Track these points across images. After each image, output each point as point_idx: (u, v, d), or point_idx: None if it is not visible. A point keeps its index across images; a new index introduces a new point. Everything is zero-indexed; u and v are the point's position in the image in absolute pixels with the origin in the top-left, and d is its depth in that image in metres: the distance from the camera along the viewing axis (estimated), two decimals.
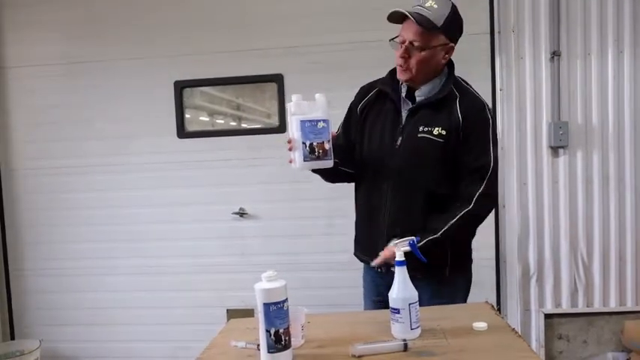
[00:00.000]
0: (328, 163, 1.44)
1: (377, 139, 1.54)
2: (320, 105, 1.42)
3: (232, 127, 3.09)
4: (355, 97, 1.65)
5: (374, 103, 1.58)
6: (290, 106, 1.44)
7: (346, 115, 1.66)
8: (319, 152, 1.36)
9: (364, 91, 1.63)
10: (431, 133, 1.44)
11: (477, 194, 1.38)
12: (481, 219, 1.42)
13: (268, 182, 2.94)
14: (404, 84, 1.52)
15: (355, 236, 1.62)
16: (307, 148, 1.37)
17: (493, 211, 2.24)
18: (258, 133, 2.97)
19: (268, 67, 2.88)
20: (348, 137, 1.62)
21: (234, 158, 2.96)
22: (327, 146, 1.38)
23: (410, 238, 1.32)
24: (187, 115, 3.01)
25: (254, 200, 2.97)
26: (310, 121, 1.38)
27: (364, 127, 1.57)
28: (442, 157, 1.45)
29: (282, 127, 2.91)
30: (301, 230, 2.93)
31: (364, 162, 1.57)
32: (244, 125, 3.09)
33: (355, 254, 1.64)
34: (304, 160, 1.38)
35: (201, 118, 3.09)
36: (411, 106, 1.52)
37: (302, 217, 2.91)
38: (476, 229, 1.48)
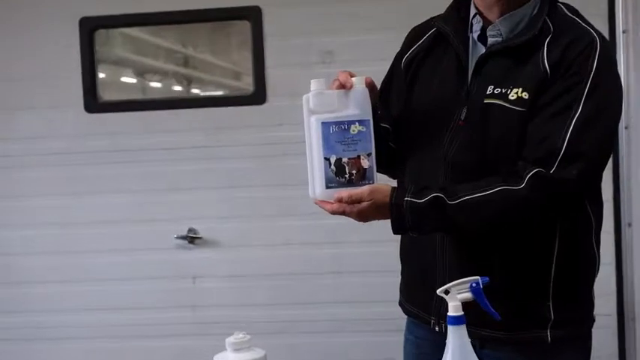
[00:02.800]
0: None
1: (428, 113, 1.51)
2: (356, 96, 1.38)
3: (177, 96, 3.00)
4: (401, 46, 1.63)
5: (427, 53, 1.54)
6: (307, 100, 1.40)
7: (386, 76, 1.65)
8: (352, 173, 1.35)
9: (414, 35, 1.60)
10: (504, 97, 1.40)
11: (533, 174, 1.32)
12: (532, 210, 1.36)
13: (236, 187, 2.85)
14: (477, 18, 1.47)
15: (401, 271, 1.65)
16: (332, 166, 1.35)
17: (609, 239, 2.08)
18: (221, 105, 2.88)
19: None
20: (388, 113, 1.60)
21: (179, 147, 2.86)
22: (365, 163, 1.37)
23: (472, 279, 1.28)
24: (102, 75, 2.95)
25: (212, 217, 2.87)
26: (338, 123, 1.36)
27: (411, 93, 1.55)
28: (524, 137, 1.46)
29: (259, 96, 2.81)
30: (289, 265, 2.85)
31: (408, 154, 1.55)
32: (197, 92, 3.02)
33: (400, 303, 1.64)
34: (327, 187, 1.36)
35: (124, 79, 3.04)
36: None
37: (290, 244, 2.83)
38: (518, 231, 1.40)
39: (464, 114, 1.44)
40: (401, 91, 1.59)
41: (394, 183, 1.62)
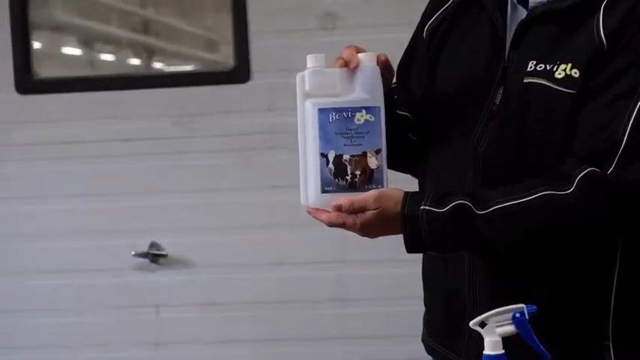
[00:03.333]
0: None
1: (455, 96, 1.52)
2: (364, 77, 1.40)
3: (135, 72, 2.97)
4: (424, 10, 1.62)
5: (454, 20, 1.54)
6: (301, 79, 1.41)
7: (407, 49, 1.65)
8: (355, 175, 1.37)
9: None
10: (549, 75, 1.40)
11: (585, 174, 1.32)
12: (584, 221, 1.35)
13: (212, 189, 2.82)
14: None
15: (424, 297, 1.63)
16: (330, 165, 1.38)
17: None
18: (192, 84, 2.85)
19: None
20: (408, 98, 1.60)
21: (138, 138, 2.82)
22: (372, 162, 1.39)
23: (515, 307, 1.29)
24: (37, 45, 2.92)
25: (181, 228, 2.84)
26: (340, 110, 1.38)
27: (434, 70, 1.55)
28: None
29: (242, 72, 2.77)
30: (281, 291, 2.81)
31: (430, 148, 1.55)
32: (160, 67, 3.02)
33: (423, 339, 1.63)
34: (323, 191, 1.38)
35: (66, 50, 3.03)
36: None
37: (282, 264, 2.80)
38: (570, 245, 1.40)
39: (499, 97, 1.44)
40: (423, 69, 1.59)
41: (412, 187, 1.56)
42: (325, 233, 2.66)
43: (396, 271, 2.52)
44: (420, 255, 1.57)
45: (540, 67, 1.41)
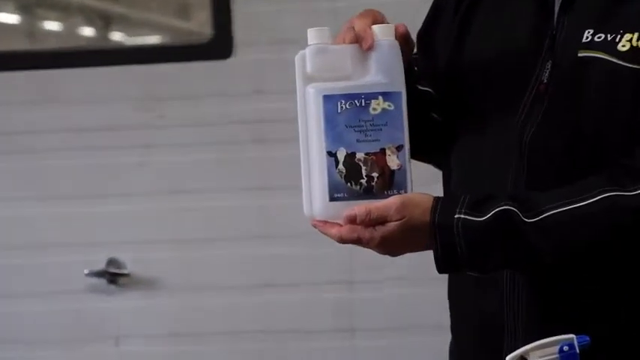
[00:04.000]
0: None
1: (491, 72, 1.54)
2: (381, 55, 1.42)
3: (88, 46, 3.09)
4: None
5: None
6: (301, 59, 1.41)
7: (429, 13, 1.68)
8: (371, 178, 1.40)
9: None
10: (611, 47, 1.43)
11: None
12: None
13: (185, 192, 2.92)
14: None
15: (450, 325, 1.63)
16: (341, 166, 1.40)
17: None
18: (160, 60, 2.96)
19: None
20: (431, 70, 1.62)
21: (92, 128, 2.91)
22: (392, 162, 1.41)
23: (563, 338, 1.30)
24: None
25: (146, 241, 2.94)
26: (351, 96, 1.40)
27: (463, 39, 1.58)
28: None
29: (222, 45, 2.87)
30: (272, 319, 2.91)
31: (458, 133, 1.58)
32: (120, 39, 3.06)
33: None
34: (332, 199, 1.39)
35: (1, 18, 3.08)
36: None
37: (273, 285, 2.91)
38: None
39: (546, 73, 1.47)
40: (450, 37, 1.62)
41: (438, 191, 1.55)
42: (327, 247, 2.73)
43: (414, 293, 2.60)
44: (444, 275, 1.53)
45: (599, 37, 1.43)
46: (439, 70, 1.62)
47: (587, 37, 1.43)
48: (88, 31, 3.13)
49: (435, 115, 1.62)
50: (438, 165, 1.67)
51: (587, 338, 1.29)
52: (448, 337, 1.66)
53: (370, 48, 1.41)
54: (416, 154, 1.55)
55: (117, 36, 3.13)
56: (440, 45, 1.63)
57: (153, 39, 3.10)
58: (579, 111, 1.44)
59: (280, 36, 2.76)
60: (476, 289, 1.53)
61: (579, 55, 1.44)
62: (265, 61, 2.79)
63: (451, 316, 1.62)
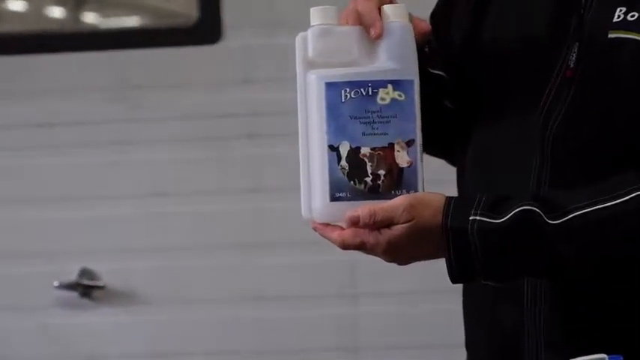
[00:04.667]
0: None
1: (511, 55, 1.57)
2: (391, 38, 1.44)
3: (58, 29, 3.11)
4: None
5: None
6: (302, 42, 1.42)
7: None
8: (377, 176, 1.41)
9: None
10: None
11: None
12: None
13: (168, 194, 2.97)
14: None
15: (465, 342, 1.65)
16: (344, 162, 1.42)
17: None
18: (140, 45, 3.01)
19: None
20: (444, 51, 1.64)
21: (62, 122, 2.97)
22: (402, 159, 1.43)
23: (594, 358, 1.31)
24: None
25: (123, 249, 2.97)
26: (357, 84, 1.43)
27: (480, 18, 1.60)
28: None
29: (209, 28, 2.92)
30: (264, 336, 2.95)
31: (474, 123, 1.60)
32: (94, 20, 3.03)
33: None
34: (333, 198, 1.41)
35: None
36: None
37: (264, 299, 2.95)
38: None
39: (573, 56, 1.49)
40: (465, 16, 1.64)
41: (450, 191, 1.56)
42: (328, 256, 2.78)
43: (424, 308, 2.63)
44: (458, 287, 1.53)
45: (632, 15, 1.44)
46: (453, 53, 1.64)
47: (619, 16, 1.45)
48: (56, 12, 3.14)
49: (448, 103, 1.64)
50: (450, 160, 1.69)
51: (621, 358, 1.32)
52: (461, 356, 1.68)
53: (379, 37, 1.43)
54: (425, 147, 1.56)
55: (90, 17, 3.14)
56: (455, 26, 1.65)
57: (131, 21, 3.12)
58: (610, 99, 1.46)
59: (273, 19, 2.77)
60: (494, 300, 1.54)
61: (610, 36, 1.45)
62: (257, 46, 2.82)
63: (466, 330, 1.63)
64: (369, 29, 1.42)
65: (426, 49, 1.53)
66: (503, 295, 1.52)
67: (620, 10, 1.45)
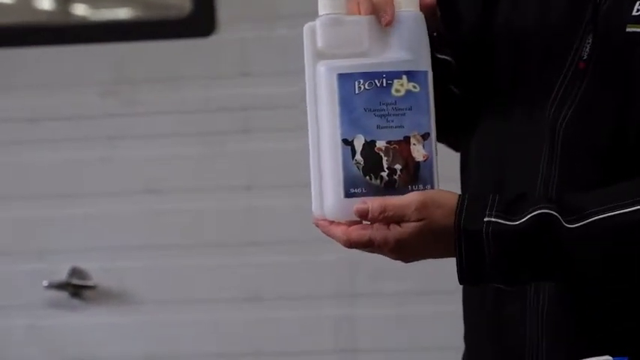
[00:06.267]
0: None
1: (522, 45, 1.57)
2: (404, 28, 1.44)
3: (47, 21, 3.10)
4: None
5: None
6: (310, 32, 1.42)
7: None
8: (394, 170, 1.40)
9: None
10: None
11: None
12: None
13: (161, 192, 2.96)
14: None
15: (465, 348, 1.66)
16: (358, 156, 1.41)
17: None
18: (132, 38, 3.00)
19: None
20: (452, 35, 1.64)
21: (51, 117, 2.97)
22: (418, 153, 1.42)
23: (602, 359, 1.36)
24: None
25: (115, 247, 2.97)
26: (370, 75, 1.41)
27: (491, 5, 1.60)
28: None
29: (204, 20, 2.91)
30: (262, 338, 2.95)
31: (481, 112, 1.61)
32: (84, 12, 3.01)
33: None
34: (347, 195, 1.40)
35: None
36: None
37: (262, 299, 2.96)
38: None
39: (587, 49, 1.48)
40: (477, 2, 1.64)
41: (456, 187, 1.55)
42: (326, 255, 2.78)
43: (425, 309, 2.62)
44: (458, 288, 1.54)
45: None
46: (462, 38, 1.65)
47: (638, 10, 1.44)
48: (46, 4, 3.11)
49: (454, 88, 1.65)
50: (455, 147, 1.69)
51: (626, 359, 1.34)
52: (460, 358, 1.68)
53: (389, 24, 1.42)
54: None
55: (80, 9, 3.11)
56: (465, 8, 1.65)
57: (122, 13, 3.10)
58: (624, 96, 1.46)
59: (270, 11, 2.75)
60: (495, 302, 1.55)
61: (628, 30, 1.45)
62: (253, 38, 2.80)
63: (465, 323, 1.64)
64: (380, 16, 1.41)
65: (435, 34, 1.53)
66: (505, 296, 1.52)
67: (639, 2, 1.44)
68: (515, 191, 1.49)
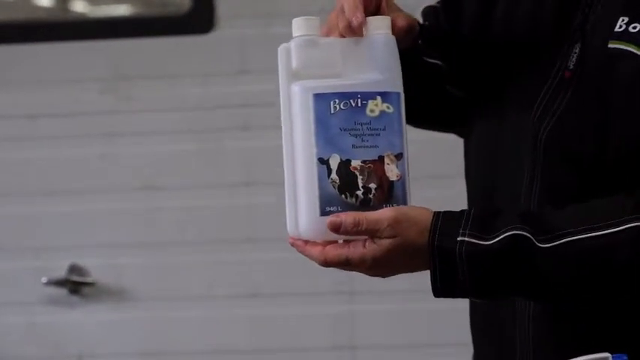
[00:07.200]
0: None
1: (511, 51, 1.59)
2: (377, 49, 1.46)
3: (45, 17, 3.12)
4: None
5: None
6: (285, 53, 1.44)
7: None
8: (369, 189, 1.41)
9: None
10: None
11: None
12: None
13: (159, 188, 2.98)
14: None
15: (472, 342, 1.65)
16: (334, 175, 1.41)
17: None
18: (129, 35, 3.02)
19: None
20: (453, 34, 1.67)
21: (50, 113, 2.99)
22: (392, 172, 1.43)
23: (598, 357, 1.34)
24: None
25: (113, 244, 2.99)
26: (345, 96, 1.43)
27: (487, 9, 1.62)
28: None
29: (202, 17, 2.93)
30: (259, 334, 2.98)
31: (478, 111, 1.63)
32: (82, 9, 3.06)
33: None
34: (322, 213, 1.39)
35: None
36: None
37: (259, 296, 2.98)
38: None
39: (573, 59, 1.50)
40: (474, 8, 1.66)
41: (462, 185, 1.62)
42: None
43: (421, 306, 2.57)
44: None
45: (634, 27, 1.44)
46: (462, 37, 1.67)
47: (621, 26, 1.45)
48: (44, 0, 3.14)
49: (450, 89, 1.67)
50: (460, 133, 1.72)
51: (625, 357, 1.34)
52: (458, 354, 1.74)
53: (360, 26, 1.43)
54: (431, 125, 1.67)
55: (79, 6, 3.13)
56: (466, 8, 1.66)
57: (121, 9, 3.11)
58: (606, 110, 1.47)
59: (269, 7, 2.77)
60: (495, 308, 1.57)
61: (609, 45, 1.45)
62: (252, 36, 2.81)
63: (470, 323, 1.65)
64: (357, 29, 1.44)
65: (419, 42, 1.56)
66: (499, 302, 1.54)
67: (623, 20, 1.46)
68: (503, 198, 1.53)
